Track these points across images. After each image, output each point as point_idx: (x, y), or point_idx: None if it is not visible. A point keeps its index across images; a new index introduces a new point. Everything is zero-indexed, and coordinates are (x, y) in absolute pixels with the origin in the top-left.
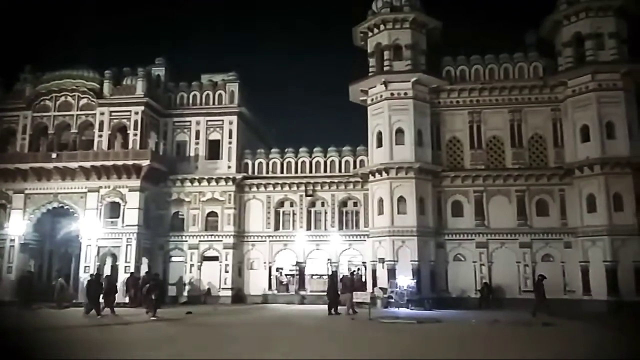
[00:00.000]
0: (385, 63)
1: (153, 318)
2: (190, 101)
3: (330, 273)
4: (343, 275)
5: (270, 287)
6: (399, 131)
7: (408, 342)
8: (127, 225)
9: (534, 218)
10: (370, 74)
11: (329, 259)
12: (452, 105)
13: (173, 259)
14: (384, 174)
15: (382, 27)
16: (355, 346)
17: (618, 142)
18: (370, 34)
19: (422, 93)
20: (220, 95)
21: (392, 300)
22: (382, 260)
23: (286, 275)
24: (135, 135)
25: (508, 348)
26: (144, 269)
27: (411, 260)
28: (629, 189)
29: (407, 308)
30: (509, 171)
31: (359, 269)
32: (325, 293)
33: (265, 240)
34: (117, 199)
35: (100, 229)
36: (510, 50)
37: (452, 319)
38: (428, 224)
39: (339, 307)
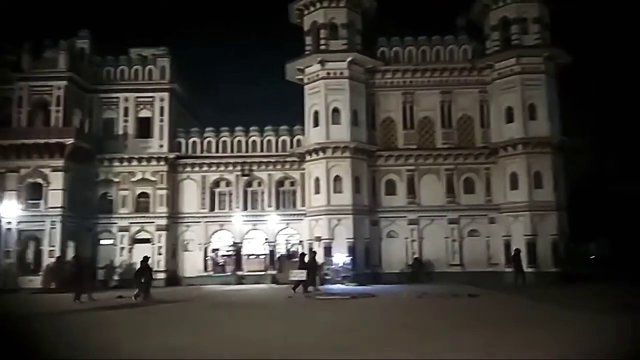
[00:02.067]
0: (322, 42)
1: (80, 301)
2: (118, 76)
3: (300, 253)
4: (302, 254)
5: (206, 269)
6: (335, 111)
7: (341, 316)
8: (50, 208)
9: (462, 195)
10: (306, 53)
11: (266, 239)
12: (387, 85)
13: (102, 242)
14: (321, 154)
15: (318, 5)
16: (292, 322)
17: (539, 123)
18: (306, 11)
19: (357, 73)
20: (150, 70)
21: (329, 277)
22: (318, 239)
23: (222, 256)
24: (58, 111)
25: (435, 317)
26: (70, 252)
27: (347, 238)
28: (548, 167)
29: (343, 284)
30: (438, 151)
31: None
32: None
33: (200, 221)
34: (39, 180)
35: (20, 212)
36: (441, 32)
37: (385, 293)
38: (363, 203)
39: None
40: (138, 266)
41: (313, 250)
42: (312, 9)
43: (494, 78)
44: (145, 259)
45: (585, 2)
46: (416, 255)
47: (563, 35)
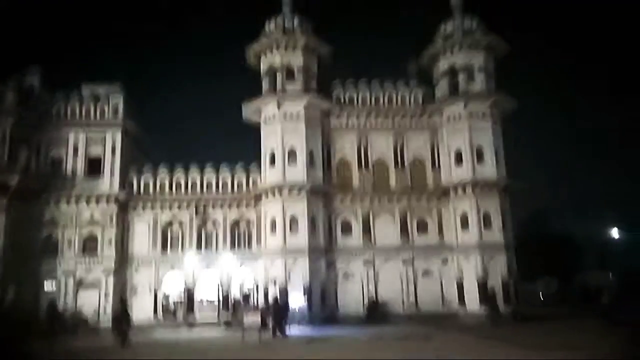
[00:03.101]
0: (278, 84)
1: None
2: (69, 113)
3: (276, 297)
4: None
5: (155, 314)
6: (292, 151)
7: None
8: None
9: (415, 236)
10: (263, 94)
11: (220, 281)
12: (342, 127)
13: (45, 286)
14: (277, 194)
15: (274, 49)
16: None
17: (486, 166)
18: (263, 54)
19: (313, 115)
20: (102, 107)
21: (285, 320)
22: (274, 280)
23: (173, 302)
24: (3, 149)
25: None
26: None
27: (303, 279)
28: (496, 208)
29: (298, 327)
30: (393, 192)
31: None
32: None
33: (151, 263)
34: None
35: None
36: (394, 77)
37: (341, 336)
38: (319, 243)
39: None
40: (117, 310)
41: (283, 290)
42: (269, 52)
43: (443, 122)
44: (123, 301)
45: (528, 50)
46: (372, 296)
47: (508, 82)
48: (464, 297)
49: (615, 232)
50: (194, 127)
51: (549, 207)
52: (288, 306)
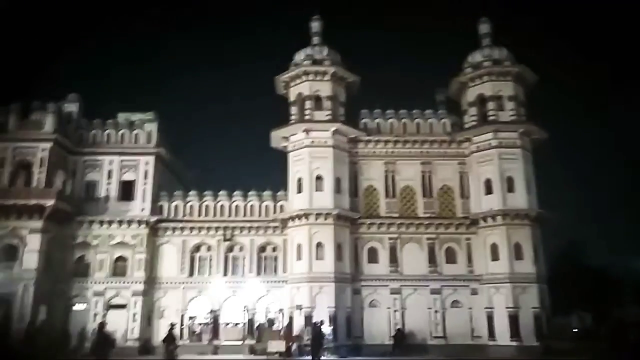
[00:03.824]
0: (307, 112)
1: None
2: (104, 139)
3: (316, 323)
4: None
5: (181, 337)
6: (319, 178)
7: None
8: (24, 270)
9: (444, 265)
10: (291, 122)
11: (245, 306)
12: (369, 155)
13: (75, 307)
14: (304, 220)
15: (303, 78)
16: None
17: (517, 196)
18: (292, 83)
19: (341, 142)
20: (137, 134)
21: (309, 349)
22: (299, 307)
23: (199, 324)
24: (40, 172)
25: None
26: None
27: (328, 307)
28: (528, 239)
29: (323, 356)
30: (420, 219)
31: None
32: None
33: (178, 287)
34: (15, 241)
35: None
36: (422, 106)
37: None
38: (345, 270)
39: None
40: (166, 333)
41: (321, 321)
42: (298, 81)
43: (472, 151)
44: (172, 325)
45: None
46: (399, 327)
47: (540, 111)
48: (493, 329)
49: None
50: (225, 154)
51: (584, 239)
52: (323, 333)
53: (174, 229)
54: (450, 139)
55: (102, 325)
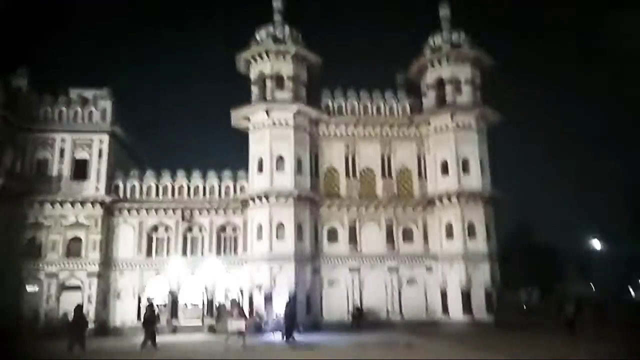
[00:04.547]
0: (268, 92)
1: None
2: (56, 116)
3: (288, 299)
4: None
5: (139, 318)
6: (280, 159)
7: None
8: None
9: (401, 244)
10: (253, 101)
11: (205, 286)
12: (330, 136)
13: (28, 288)
14: (264, 200)
15: (265, 57)
16: None
17: (472, 177)
18: (253, 62)
19: (302, 123)
20: (90, 112)
21: (269, 327)
22: (259, 286)
23: (157, 304)
24: None
25: None
26: None
27: (288, 286)
28: (481, 218)
29: (282, 334)
30: (379, 200)
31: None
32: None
33: (135, 268)
34: None
35: None
36: (382, 88)
37: (324, 343)
38: (305, 250)
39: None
40: (72, 316)
41: (292, 298)
42: (259, 60)
43: (430, 133)
44: (79, 307)
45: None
46: (357, 304)
47: (495, 94)
48: (447, 305)
49: (596, 244)
50: (183, 133)
51: (533, 219)
52: (296, 312)
53: (130, 209)
54: (409, 121)
55: (79, 307)
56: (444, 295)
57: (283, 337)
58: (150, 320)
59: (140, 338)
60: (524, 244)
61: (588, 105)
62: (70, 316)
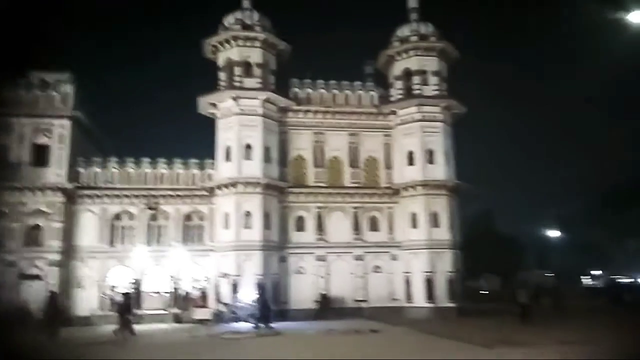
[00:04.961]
0: (236, 79)
1: None
2: (15, 100)
3: (260, 287)
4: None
5: (101, 308)
6: (248, 147)
7: (244, 355)
8: None
9: (367, 233)
10: (220, 88)
11: (170, 275)
12: (299, 124)
13: None
14: (232, 188)
15: (233, 43)
16: None
17: (437, 167)
18: (221, 48)
19: (271, 111)
20: (51, 96)
21: (235, 315)
22: (226, 275)
23: (122, 293)
24: None
25: (339, 354)
26: None
27: (255, 275)
28: (445, 208)
29: (249, 322)
30: (346, 189)
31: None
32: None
33: (97, 257)
34: None
35: None
36: (351, 78)
37: (291, 330)
38: (273, 238)
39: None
40: (120, 302)
41: (263, 286)
42: (227, 46)
43: (397, 123)
44: (53, 294)
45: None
46: (323, 291)
47: (461, 86)
48: (411, 292)
49: (553, 232)
50: (151, 121)
51: (495, 209)
52: (269, 299)
53: (93, 196)
54: (377, 111)
55: (53, 294)
56: (408, 283)
57: (256, 325)
58: (125, 307)
59: (105, 327)
60: (486, 233)
61: (548, 99)
62: (34, 305)
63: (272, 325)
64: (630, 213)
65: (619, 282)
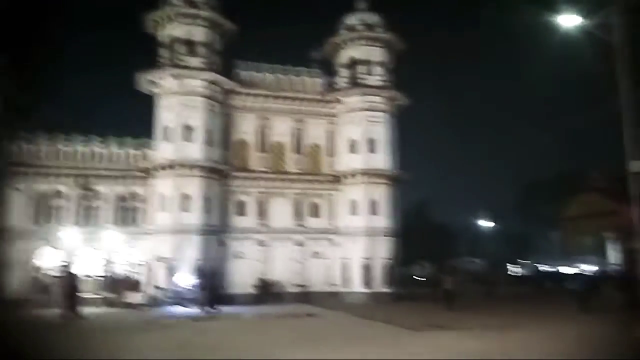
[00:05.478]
0: (179, 57)
1: None
2: None
3: (202, 269)
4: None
5: (29, 292)
6: (189, 128)
7: (179, 340)
8: None
9: (308, 219)
10: (161, 65)
11: (103, 258)
12: (243, 107)
13: None
14: (170, 170)
15: (175, 19)
16: (126, 347)
17: (378, 156)
18: (163, 24)
19: (214, 92)
20: None
21: (171, 300)
22: (162, 259)
23: (50, 276)
24: None
25: (274, 337)
26: None
27: (193, 259)
28: (384, 196)
29: (187, 307)
30: (289, 175)
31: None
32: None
33: (25, 238)
34: None
35: None
36: (296, 63)
37: (228, 315)
38: (212, 222)
39: None
40: (65, 285)
41: (208, 270)
42: (169, 22)
43: (341, 111)
44: (72, 274)
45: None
46: (262, 276)
47: (405, 78)
48: (349, 277)
49: (485, 222)
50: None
51: (434, 199)
52: (215, 282)
53: (18, 173)
54: (322, 98)
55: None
56: (346, 269)
57: (202, 309)
58: (70, 287)
59: (34, 311)
60: (422, 221)
61: (488, 94)
62: None
63: (217, 308)
64: (554, 206)
65: (542, 270)
